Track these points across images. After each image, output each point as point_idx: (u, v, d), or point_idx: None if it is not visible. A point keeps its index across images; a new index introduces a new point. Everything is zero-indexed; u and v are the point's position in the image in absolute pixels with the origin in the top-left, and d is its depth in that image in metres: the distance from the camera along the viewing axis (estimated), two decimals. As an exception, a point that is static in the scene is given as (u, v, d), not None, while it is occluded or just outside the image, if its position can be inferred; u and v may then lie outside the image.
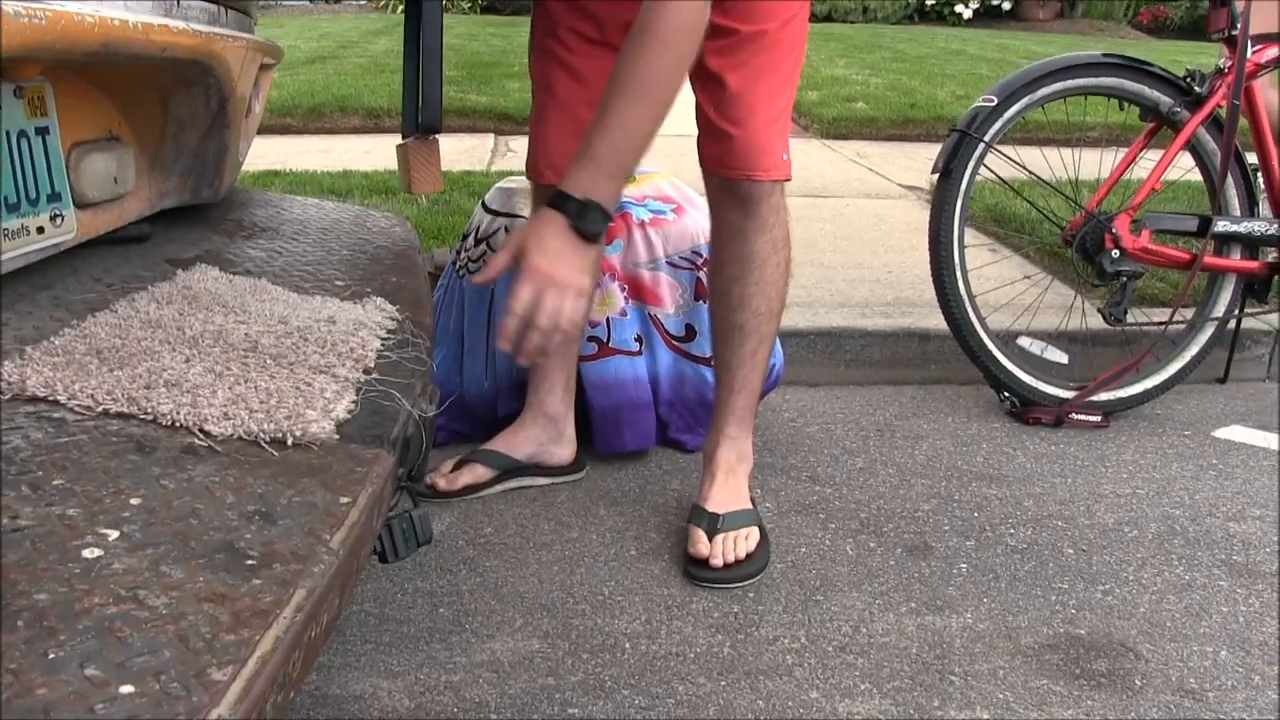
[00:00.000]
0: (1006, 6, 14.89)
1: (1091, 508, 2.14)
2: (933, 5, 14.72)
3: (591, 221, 1.38)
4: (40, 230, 1.24)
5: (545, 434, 2.15)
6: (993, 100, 2.51)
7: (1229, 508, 2.16)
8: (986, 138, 2.51)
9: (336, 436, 1.01)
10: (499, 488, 2.13)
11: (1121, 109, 2.66)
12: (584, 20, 1.86)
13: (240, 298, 1.36)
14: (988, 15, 14.86)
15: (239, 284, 1.42)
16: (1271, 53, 2.69)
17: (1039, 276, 3.27)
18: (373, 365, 1.20)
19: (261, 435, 0.98)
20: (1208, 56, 8.39)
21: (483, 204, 2.38)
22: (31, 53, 0.99)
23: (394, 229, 2.02)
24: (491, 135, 5.78)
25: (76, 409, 0.98)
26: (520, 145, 5.10)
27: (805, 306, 2.89)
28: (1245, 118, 2.65)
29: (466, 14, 13.87)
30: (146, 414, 0.98)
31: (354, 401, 1.08)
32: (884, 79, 7.53)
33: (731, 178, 1.79)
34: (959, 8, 14.57)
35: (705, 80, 1.78)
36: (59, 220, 1.29)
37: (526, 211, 2.25)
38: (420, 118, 1.69)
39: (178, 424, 0.98)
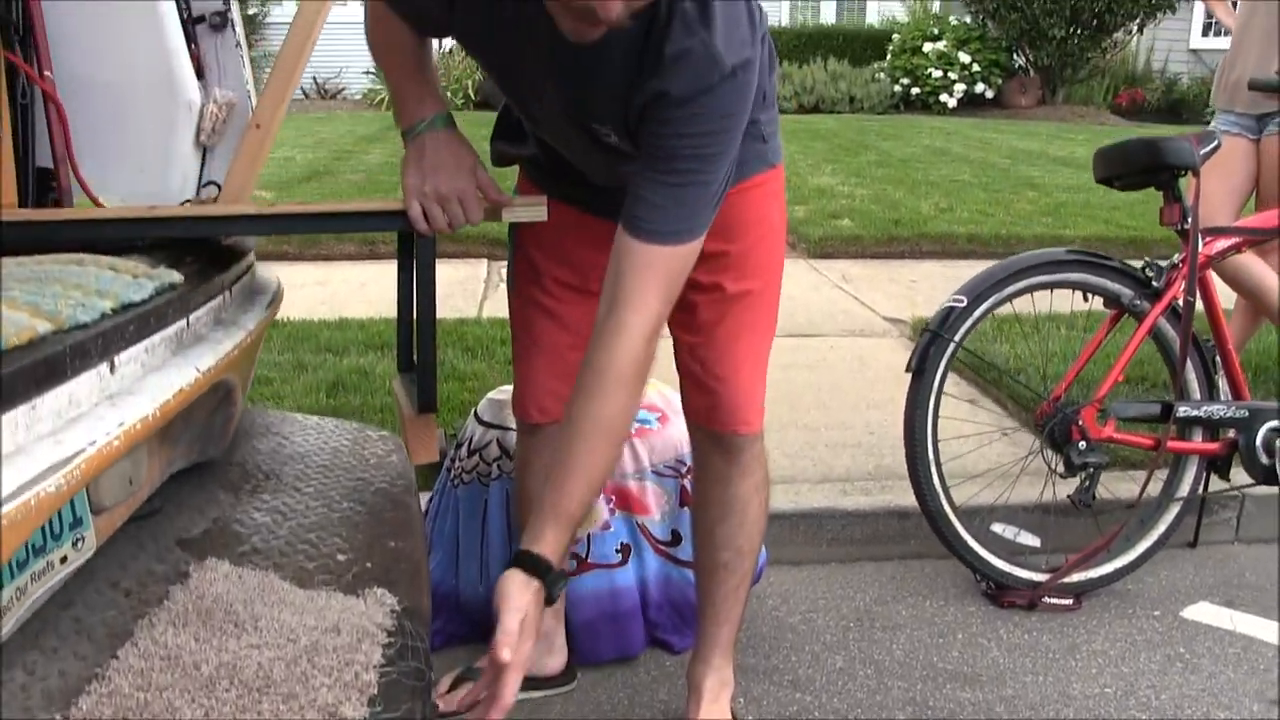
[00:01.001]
0: (990, 95, 15.19)
1: (1060, 711, 2.23)
2: (918, 95, 15.02)
3: (557, 587, 1.46)
4: (64, 560, 1.35)
5: (536, 649, 2.23)
6: (963, 300, 2.63)
7: (1194, 709, 2.26)
8: (957, 337, 2.62)
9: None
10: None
11: (1086, 300, 2.78)
12: (566, 269, 1.96)
13: (250, 603, 1.46)
14: (971, 103, 15.16)
15: (248, 582, 1.52)
16: (1221, 244, 2.83)
17: (1016, 433, 3.36)
18: (377, 692, 1.30)
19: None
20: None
21: (475, 414, 2.49)
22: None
23: (390, 458, 2.12)
24: (485, 262, 5.91)
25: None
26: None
27: (789, 484, 2.99)
28: (1202, 304, 2.78)
29: (460, 109, 14.13)
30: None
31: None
32: (869, 189, 7.71)
33: (718, 431, 1.91)
34: (943, 97, 14.87)
35: (689, 330, 1.89)
36: (80, 543, 1.39)
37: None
38: (418, 398, 1.81)
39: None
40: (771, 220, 1.90)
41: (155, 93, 2.24)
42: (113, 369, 1.19)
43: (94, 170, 2.21)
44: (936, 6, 17.47)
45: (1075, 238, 6.69)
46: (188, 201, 2.29)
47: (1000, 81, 15.28)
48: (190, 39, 2.36)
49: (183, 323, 1.46)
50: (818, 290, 5.40)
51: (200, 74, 2.38)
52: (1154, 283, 2.70)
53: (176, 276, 1.47)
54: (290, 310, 4.73)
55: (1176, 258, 2.73)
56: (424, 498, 2.58)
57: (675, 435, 2.40)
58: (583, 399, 1.48)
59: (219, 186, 2.32)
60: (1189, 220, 2.70)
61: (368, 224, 1.79)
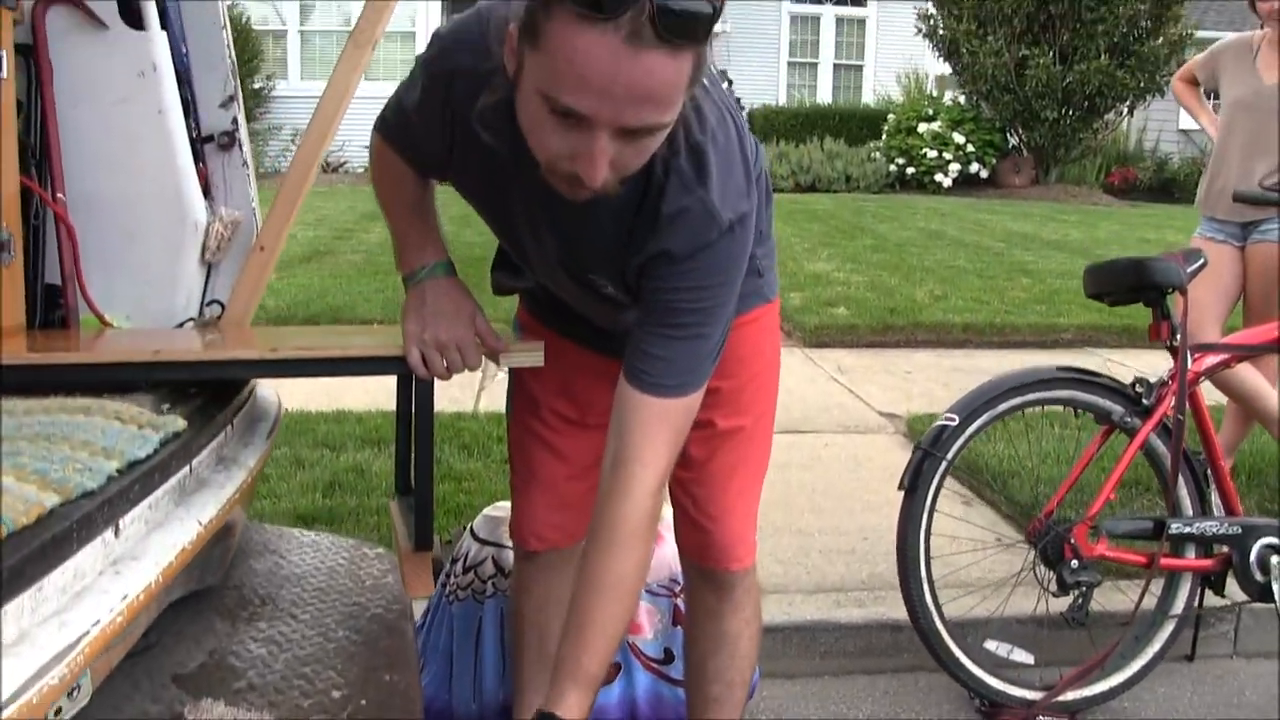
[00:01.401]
0: (984, 174, 15.36)
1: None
2: (913, 174, 15.18)
3: None
4: (58, 712, 1.35)
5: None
6: (954, 419, 2.66)
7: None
8: (949, 456, 2.64)
9: None
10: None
11: (1076, 416, 2.81)
12: (564, 401, 1.98)
13: (245, 752, 1.47)
14: (966, 183, 15.32)
15: (243, 724, 1.53)
16: (1210, 360, 2.87)
17: (1010, 539, 3.37)
18: None
19: None
20: (1185, 220, 8.67)
21: (470, 530, 2.50)
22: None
23: (386, 579, 2.14)
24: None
25: None
26: (510, 365, 5.23)
27: (782, 594, 3.00)
28: (1193, 419, 2.81)
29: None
30: None
31: None
32: (865, 275, 7.78)
33: (709, 568, 1.93)
34: (938, 176, 15.03)
35: (681, 465, 1.90)
36: (76, 692, 1.39)
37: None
38: (415, 534, 1.83)
39: None
40: (766, 356, 1.92)
41: (163, 212, 2.29)
42: (117, 533, 1.22)
43: (101, 286, 2.25)
44: (931, 84, 17.73)
45: (1069, 326, 6.76)
46: (191, 320, 2.33)
47: (994, 161, 15.47)
48: (198, 158, 2.42)
49: (185, 470, 1.48)
50: (813, 383, 5.43)
51: (207, 192, 2.43)
52: (1144, 400, 2.73)
53: (180, 424, 1.49)
54: (288, 399, 4.75)
55: (1165, 374, 2.76)
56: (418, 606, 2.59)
57: (669, 554, 2.41)
58: (597, 554, 1.48)
59: (222, 306, 2.36)
60: (1178, 337, 2.74)
61: (369, 368, 1.81)
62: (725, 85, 1.67)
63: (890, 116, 15.88)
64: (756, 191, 1.58)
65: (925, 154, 15.07)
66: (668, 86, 1.22)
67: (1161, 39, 14.88)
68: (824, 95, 19.65)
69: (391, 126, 1.75)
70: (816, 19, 19.92)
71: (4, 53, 2.03)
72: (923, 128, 15.20)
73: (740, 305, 1.81)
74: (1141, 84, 14.98)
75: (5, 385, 1.69)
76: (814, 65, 19.97)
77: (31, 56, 2.19)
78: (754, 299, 1.85)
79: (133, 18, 2.24)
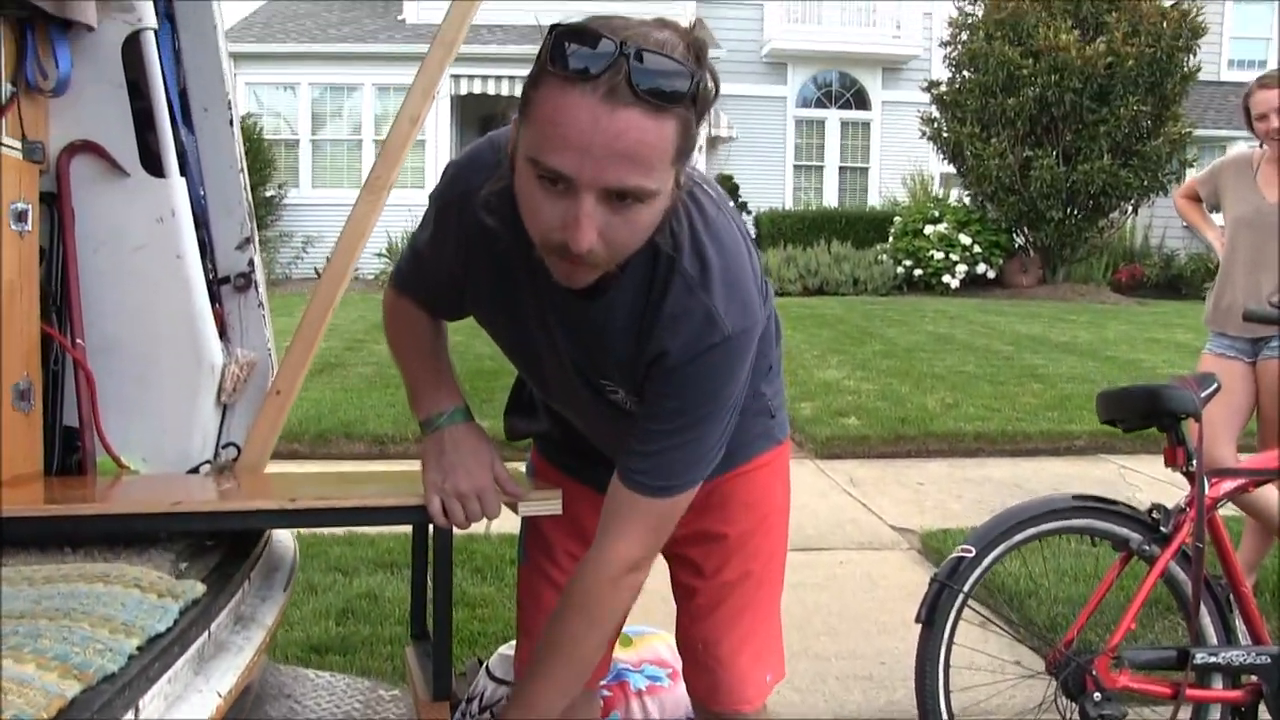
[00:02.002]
0: (991, 275, 15.45)
1: None
2: (920, 276, 15.28)
3: None
4: None
5: None
6: (971, 551, 2.64)
7: None
8: (966, 588, 2.62)
9: None
10: None
11: (1094, 545, 2.79)
12: (576, 542, 1.95)
13: None
14: (974, 283, 15.42)
15: None
16: (1227, 485, 2.85)
17: (1029, 668, 3.32)
18: None
19: None
20: (1193, 317, 8.67)
21: (487, 669, 2.48)
22: None
23: (401, 724, 2.12)
24: (494, 464, 5.94)
25: None
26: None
27: (800, 723, 2.96)
28: (1213, 546, 2.78)
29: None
30: None
31: None
32: (875, 383, 7.79)
33: (719, 711, 1.90)
34: (946, 278, 15.12)
35: (688, 611, 1.90)
36: None
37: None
38: (433, 683, 1.81)
39: None
40: (775, 500, 1.91)
41: (180, 356, 2.31)
42: (137, 715, 1.21)
43: (118, 429, 2.27)
44: (938, 184, 17.94)
45: (1082, 433, 6.74)
46: (207, 463, 2.34)
47: (1001, 262, 15.58)
48: (215, 298, 2.45)
49: (204, 636, 1.48)
50: (825, 497, 5.41)
51: (223, 333, 2.46)
52: (1162, 527, 2.71)
53: (199, 590, 1.49)
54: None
55: (1183, 500, 2.75)
56: None
57: (685, 693, 2.38)
58: (557, 616, 1.60)
59: (238, 448, 2.37)
60: (1194, 463, 2.73)
61: (389, 518, 1.83)
62: (735, 207, 1.70)
63: (896, 219, 16.05)
64: (765, 319, 1.60)
65: (932, 256, 15.19)
66: (646, 146, 1.27)
67: (1162, 138, 15.07)
68: (830, 198, 19.88)
69: (405, 275, 1.78)
70: (821, 123, 20.23)
71: (30, 207, 2.08)
72: (929, 229, 15.35)
73: (749, 450, 1.82)
74: (1145, 183, 15.16)
75: (25, 537, 1.70)
76: (820, 168, 20.24)
77: (55, 204, 2.23)
78: (764, 441, 1.86)
79: (153, 164, 2.29)
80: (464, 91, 17.77)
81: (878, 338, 10.14)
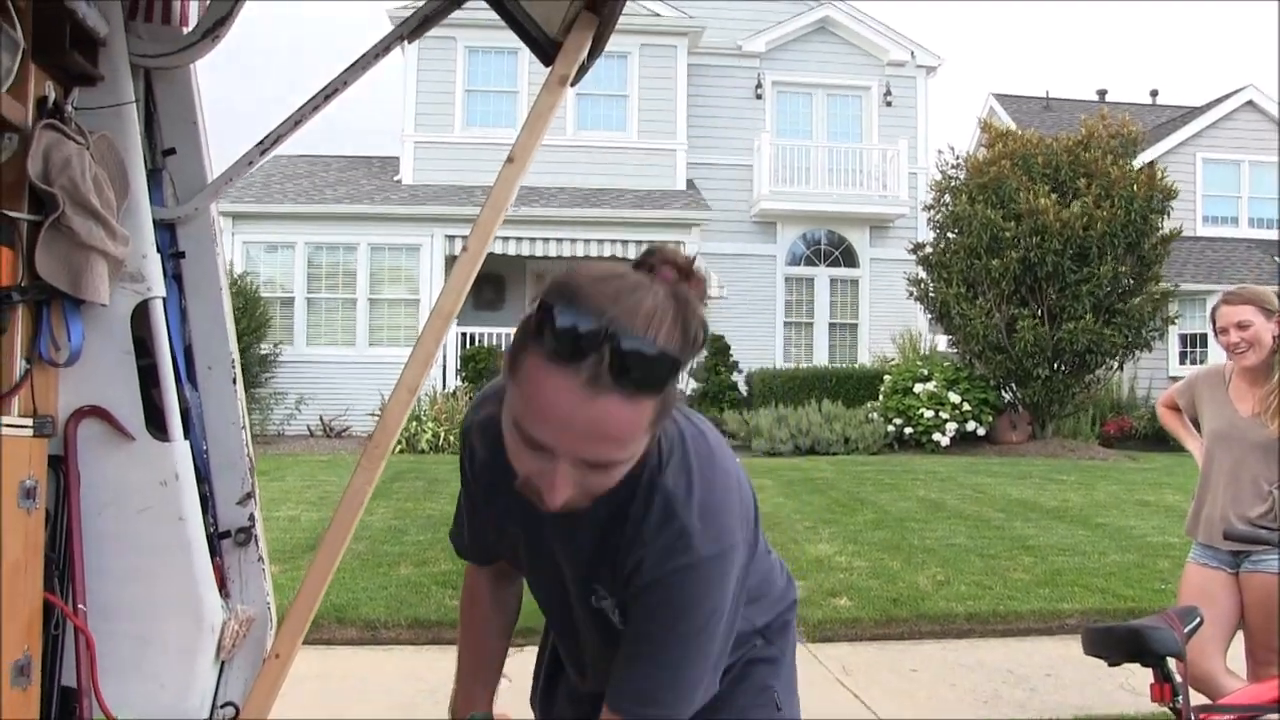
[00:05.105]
0: (981, 431, 15.55)
1: None
2: (910, 434, 15.37)
3: None
4: None
5: None
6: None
7: None
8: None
9: None
10: None
11: (1084, 783, 2.80)
12: None
13: None
14: (964, 440, 15.50)
15: None
16: (1217, 721, 2.89)
17: None
18: None
19: None
20: (1182, 477, 8.71)
21: None
22: None
23: None
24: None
25: None
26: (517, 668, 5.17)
27: None
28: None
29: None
30: None
31: None
32: (866, 559, 7.80)
33: None
34: (936, 436, 15.21)
35: None
36: None
37: None
38: None
39: None
40: None
41: (180, 618, 2.36)
42: None
43: (116, 688, 2.30)
44: (926, 339, 18.18)
45: (1073, 611, 6.73)
46: (203, 722, 2.36)
47: (991, 418, 15.69)
48: (215, 552, 2.51)
49: None
50: (819, 690, 5.38)
51: (222, 587, 2.50)
52: (1155, 763, 2.73)
53: None
54: (287, 713, 4.72)
55: (1172, 737, 2.77)
56: None
57: None
58: None
59: (236, 708, 2.40)
60: (1180, 700, 2.76)
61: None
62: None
63: (886, 377, 16.21)
64: (744, 538, 1.62)
65: (922, 414, 15.31)
66: (624, 428, 1.35)
67: (1143, 296, 15.36)
68: (820, 355, 20.12)
69: (456, 530, 1.91)
70: (811, 280, 20.59)
71: (38, 484, 2.14)
72: (919, 388, 15.50)
73: None
74: (1128, 339, 15.38)
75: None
76: (810, 325, 20.52)
77: (61, 468, 2.30)
78: None
79: (158, 425, 2.37)
80: (458, 252, 18.10)
81: (869, 505, 10.17)
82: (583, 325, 1.30)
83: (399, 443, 12.37)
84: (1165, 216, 15.76)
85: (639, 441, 1.40)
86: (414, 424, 15.19)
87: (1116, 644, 2.81)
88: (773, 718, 1.88)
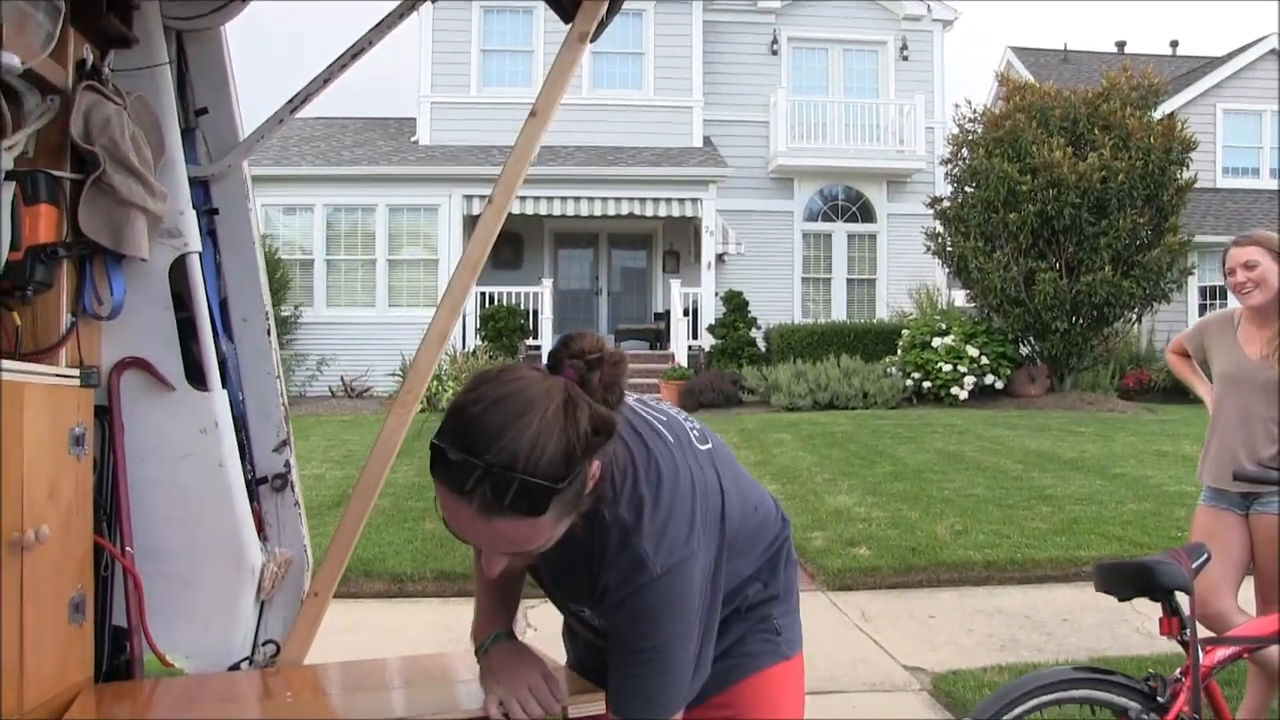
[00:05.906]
0: (999, 385, 15.58)
1: None
2: (929, 388, 15.42)
3: None
4: None
5: None
6: (975, 724, 2.75)
7: None
8: (971, 764, 2.72)
9: None
10: None
11: (1094, 714, 2.89)
12: None
13: None
14: (982, 394, 15.54)
15: None
16: (1221, 653, 2.96)
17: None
18: None
19: None
20: (1199, 427, 8.76)
21: None
22: None
23: None
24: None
25: None
26: (539, 618, 5.28)
27: None
28: (1211, 712, 2.88)
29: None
30: None
31: None
32: (885, 510, 7.89)
33: None
34: (954, 390, 15.26)
35: None
36: None
37: None
38: None
39: None
40: (783, 714, 2.00)
41: (221, 560, 2.45)
42: None
43: (162, 629, 2.40)
44: (944, 294, 18.18)
45: (1090, 559, 6.81)
46: (247, 659, 2.47)
47: (1009, 372, 15.73)
48: (253, 498, 2.60)
49: None
50: (836, 635, 5.49)
51: (261, 531, 2.60)
52: (1159, 696, 2.81)
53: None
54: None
55: (1178, 671, 2.85)
56: None
57: None
58: None
59: (277, 645, 2.50)
60: (1188, 632, 2.84)
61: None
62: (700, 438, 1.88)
63: (904, 332, 16.24)
64: (706, 541, 1.74)
65: (940, 368, 15.36)
66: (524, 538, 1.55)
67: (1161, 248, 15.31)
68: (838, 311, 20.15)
69: None
70: (829, 236, 20.59)
71: (87, 430, 2.24)
72: (936, 342, 15.53)
73: (755, 663, 1.95)
74: (1146, 291, 15.36)
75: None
76: (828, 281, 20.55)
77: (106, 418, 2.39)
78: (769, 658, 1.98)
79: (197, 377, 2.46)
80: (475, 212, 18.18)
81: (887, 457, 10.25)
82: (466, 466, 1.48)
83: (421, 402, 12.52)
84: (1184, 168, 15.68)
85: (550, 532, 1.57)
86: (435, 383, 15.30)
87: (1126, 579, 2.89)
88: (771, 641, 1.96)
